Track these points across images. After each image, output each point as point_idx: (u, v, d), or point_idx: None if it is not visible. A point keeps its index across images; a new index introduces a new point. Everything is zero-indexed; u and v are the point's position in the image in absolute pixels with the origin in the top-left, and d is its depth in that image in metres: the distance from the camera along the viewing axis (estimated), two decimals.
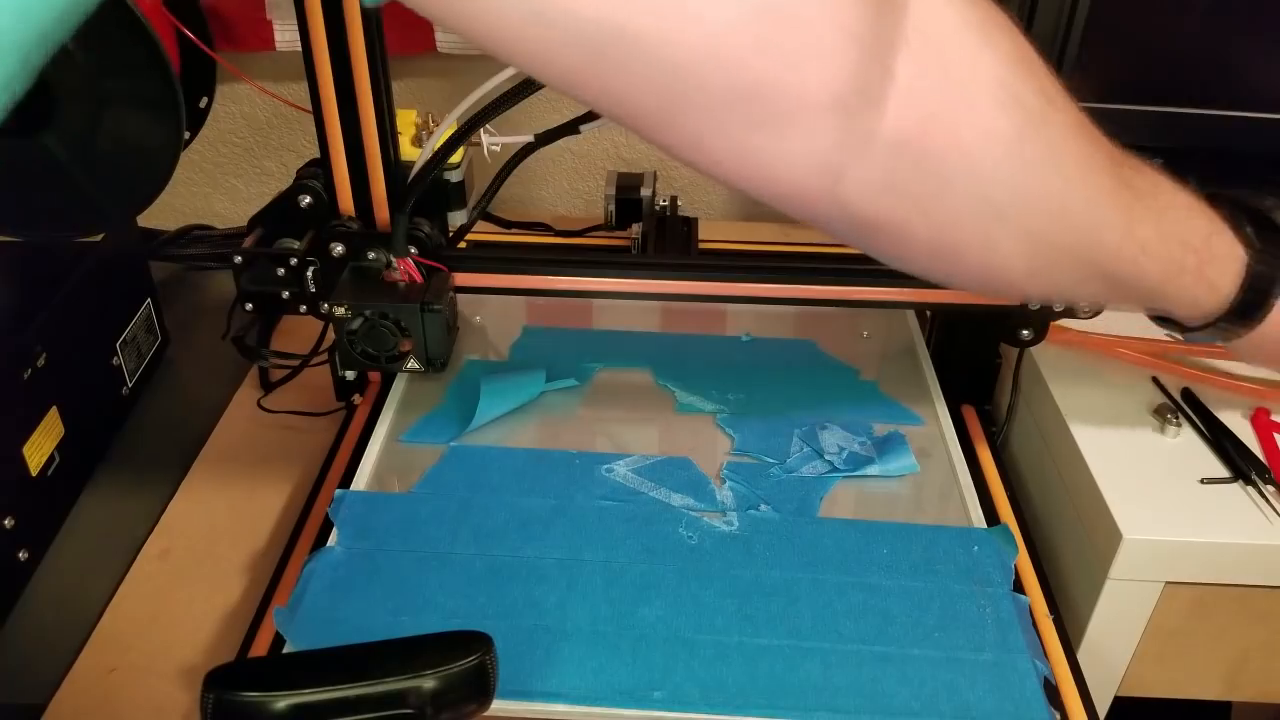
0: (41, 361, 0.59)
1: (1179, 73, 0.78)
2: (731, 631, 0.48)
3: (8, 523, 0.56)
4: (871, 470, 0.57)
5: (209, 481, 0.64)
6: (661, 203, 0.80)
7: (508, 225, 0.87)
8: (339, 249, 0.60)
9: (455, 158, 0.62)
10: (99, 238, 0.67)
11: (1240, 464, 0.55)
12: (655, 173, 0.81)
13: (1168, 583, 0.53)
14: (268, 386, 0.72)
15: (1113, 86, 0.78)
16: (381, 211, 0.61)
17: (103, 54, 0.54)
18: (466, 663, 0.39)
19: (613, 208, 0.79)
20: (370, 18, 0.55)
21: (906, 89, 0.32)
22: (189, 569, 0.58)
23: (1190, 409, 0.60)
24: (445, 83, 0.93)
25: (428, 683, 0.38)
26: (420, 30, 0.89)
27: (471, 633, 0.41)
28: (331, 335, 0.62)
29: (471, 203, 0.66)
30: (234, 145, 0.98)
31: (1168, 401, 0.60)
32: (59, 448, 0.60)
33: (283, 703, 0.37)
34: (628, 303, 0.67)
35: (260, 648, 0.50)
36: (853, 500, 0.56)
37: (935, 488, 0.57)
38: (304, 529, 0.57)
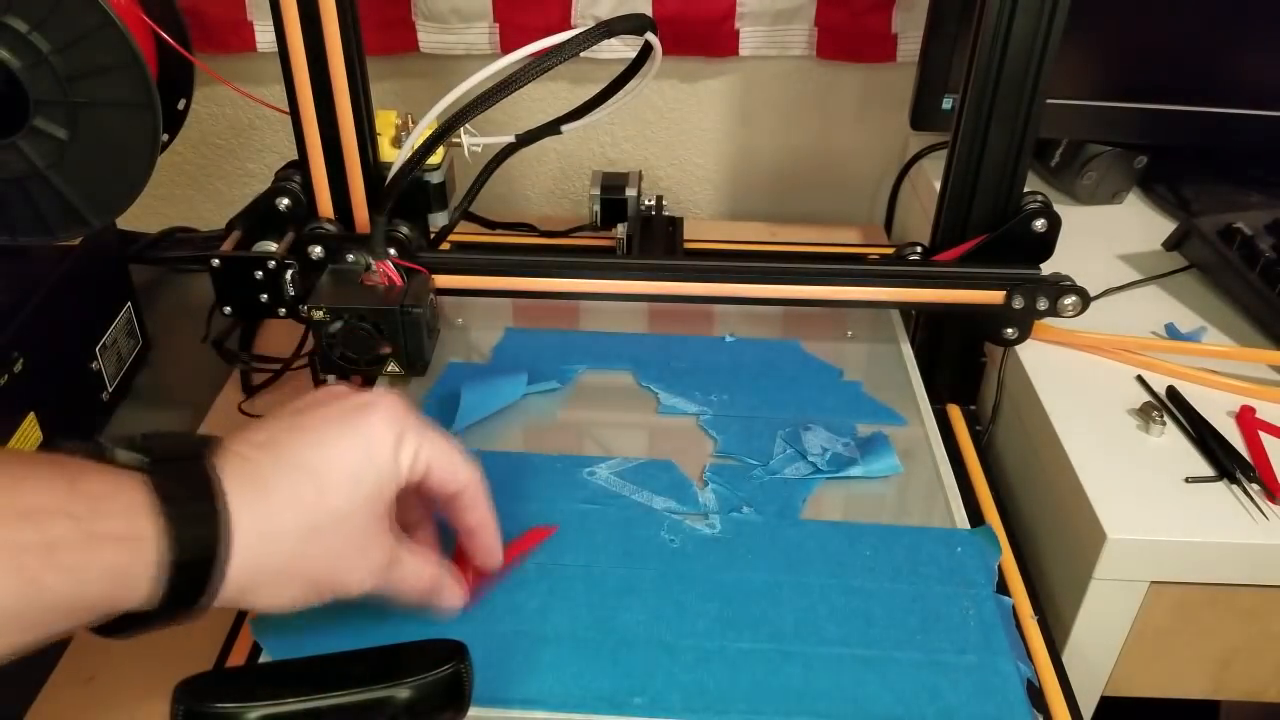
0: (19, 366, 0.59)
1: (1160, 70, 0.78)
2: (713, 636, 0.47)
3: None
4: (855, 471, 0.57)
5: None
6: (647, 203, 0.79)
7: (492, 226, 0.86)
8: (318, 251, 0.60)
9: (435, 159, 0.62)
10: (77, 241, 0.67)
11: (1225, 462, 0.55)
12: (640, 172, 0.80)
13: (1153, 582, 0.53)
14: (250, 390, 0.72)
15: (1094, 85, 0.78)
16: (361, 213, 0.61)
17: (78, 57, 0.53)
18: (441, 672, 0.39)
19: (598, 208, 0.79)
20: (347, 17, 0.55)
21: None
22: None
23: (1175, 407, 0.59)
24: (429, 83, 0.93)
25: (402, 692, 0.38)
26: (403, 30, 0.88)
27: (447, 641, 0.40)
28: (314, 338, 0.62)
29: (453, 204, 0.66)
30: (217, 147, 0.97)
31: (1153, 400, 0.60)
32: None
33: (254, 714, 0.37)
34: (613, 304, 0.67)
35: (239, 656, 0.49)
36: (836, 502, 0.56)
37: (919, 489, 0.57)
38: None
